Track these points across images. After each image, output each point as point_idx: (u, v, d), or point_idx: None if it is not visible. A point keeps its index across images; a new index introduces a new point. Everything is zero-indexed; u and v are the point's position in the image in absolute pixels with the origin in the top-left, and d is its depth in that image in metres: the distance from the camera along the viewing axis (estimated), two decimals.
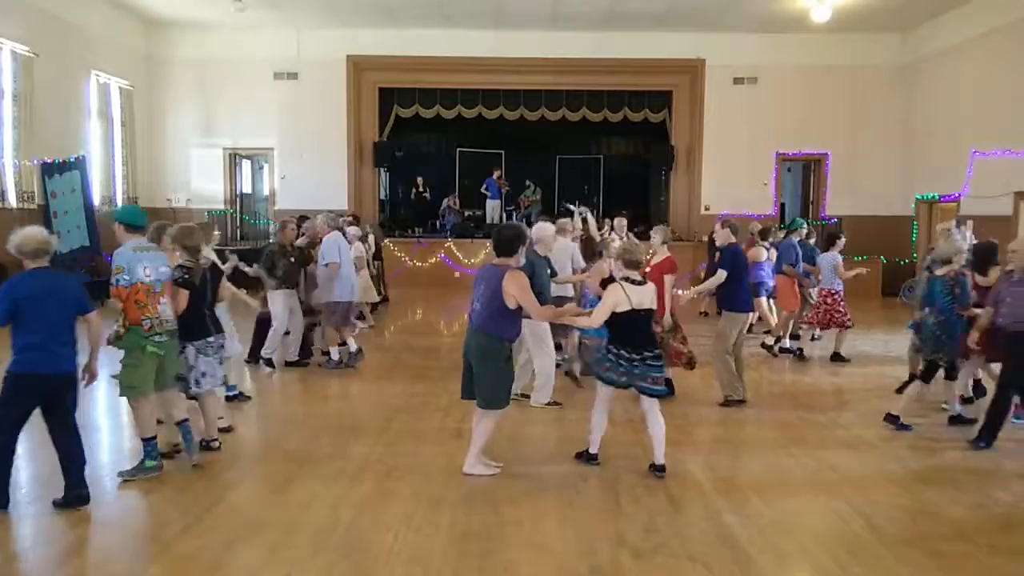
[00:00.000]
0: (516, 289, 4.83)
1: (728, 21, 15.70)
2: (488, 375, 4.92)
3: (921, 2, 14.29)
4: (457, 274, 16.44)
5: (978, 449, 5.70)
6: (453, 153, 19.59)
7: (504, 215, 18.41)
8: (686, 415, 6.58)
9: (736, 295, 6.93)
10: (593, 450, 5.24)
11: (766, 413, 6.81)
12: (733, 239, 7.08)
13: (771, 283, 9.52)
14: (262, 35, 16.71)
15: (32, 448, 5.73)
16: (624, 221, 10.48)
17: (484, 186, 18.28)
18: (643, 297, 5.05)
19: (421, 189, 18.24)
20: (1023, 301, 5.67)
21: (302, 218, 9.25)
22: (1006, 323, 5.74)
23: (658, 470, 5.06)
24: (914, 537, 4.23)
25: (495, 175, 18.32)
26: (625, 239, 9.10)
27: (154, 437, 4.96)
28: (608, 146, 20.47)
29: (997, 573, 3.88)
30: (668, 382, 6.35)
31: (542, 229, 6.89)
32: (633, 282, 5.08)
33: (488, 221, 18.04)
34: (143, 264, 4.89)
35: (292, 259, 8.11)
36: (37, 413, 4.36)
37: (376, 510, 4.48)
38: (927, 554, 4.01)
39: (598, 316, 5.06)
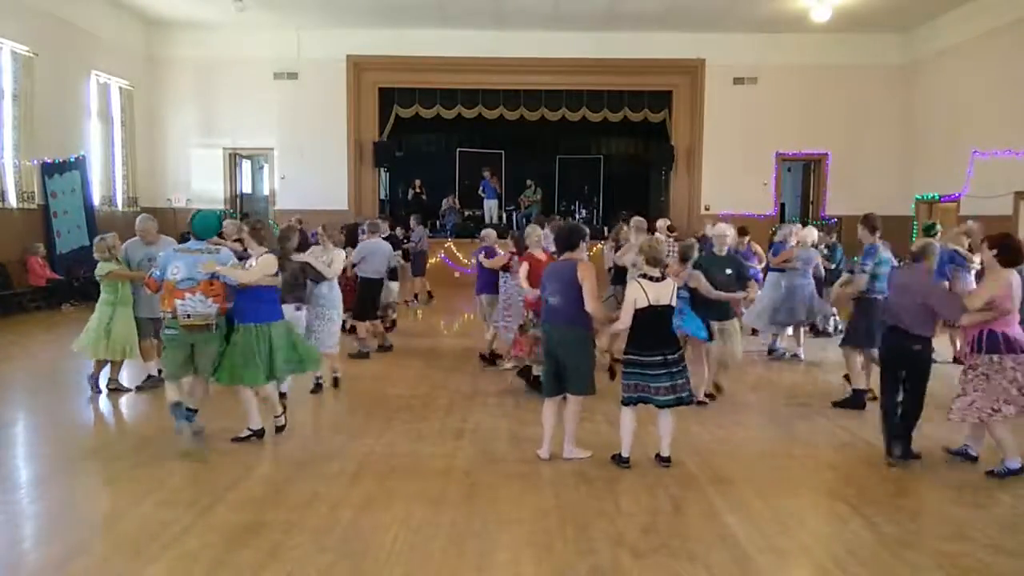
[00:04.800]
0: (588, 277, 5.09)
1: (728, 21, 15.71)
2: (585, 364, 5.20)
3: (921, 2, 14.30)
4: (457, 274, 16.44)
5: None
6: (453, 153, 19.63)
7: (503, 215, 18.45)
8: (685, 415, 6.57)
9: None
10: (625, 453, 5.23)
11: (766, 413, 6.84)
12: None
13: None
14: (262, 35, 16.72)
15: (32, 448, 5.75)
16: (643, 220, 10.23)
17: (480, 188, 18.37)
18: (660, 293, 5.11)
19: (419, 190, 18.28)
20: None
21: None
22: None
23: (663, 461, 5.23)
24: (914, 537, 4.23)
25: (487, 175, 18.37)
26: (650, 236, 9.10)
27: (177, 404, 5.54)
28: (608, 146, 20.49)
29: (997, 573, 3.87)
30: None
31: (720, 229, 7.26)
32: (651, 279, 5.16)
33: (487, 221, 18.06)
34: (174, 263, 5.43)
35: None
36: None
37: (376, 510, 4.48)
38: (927, 554, 4.01)
39: (624, 315, 5.14)
